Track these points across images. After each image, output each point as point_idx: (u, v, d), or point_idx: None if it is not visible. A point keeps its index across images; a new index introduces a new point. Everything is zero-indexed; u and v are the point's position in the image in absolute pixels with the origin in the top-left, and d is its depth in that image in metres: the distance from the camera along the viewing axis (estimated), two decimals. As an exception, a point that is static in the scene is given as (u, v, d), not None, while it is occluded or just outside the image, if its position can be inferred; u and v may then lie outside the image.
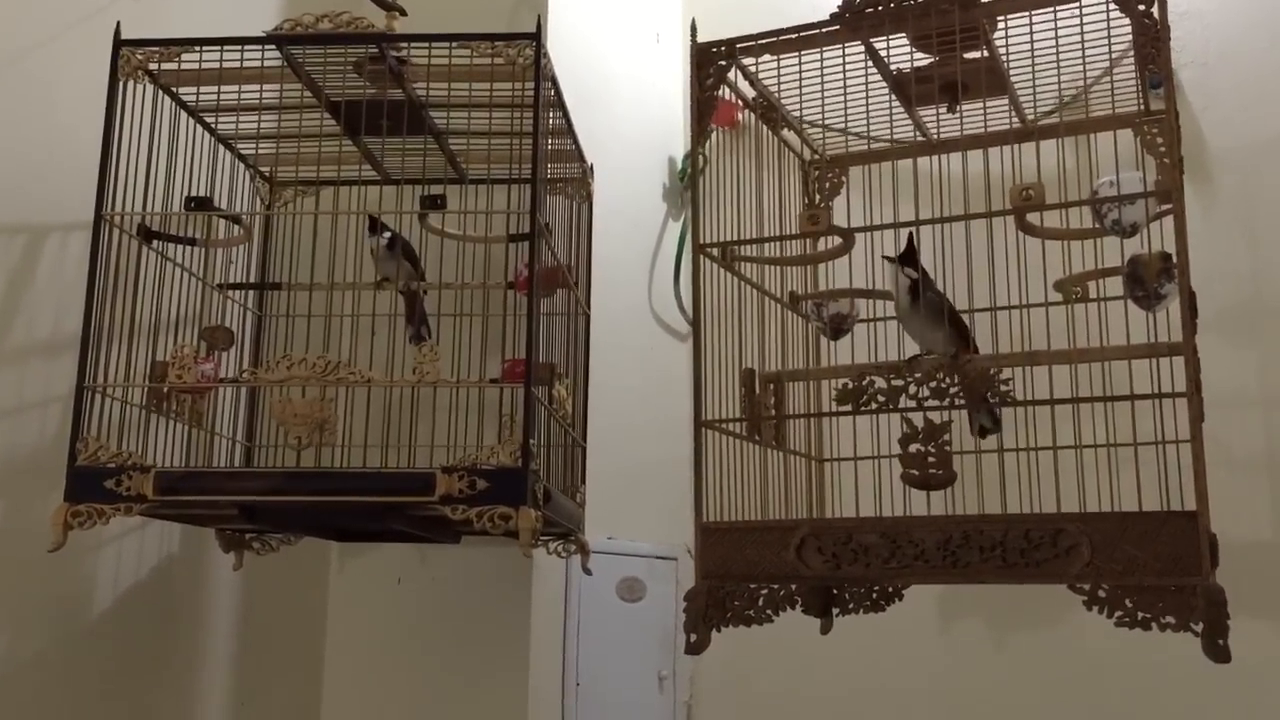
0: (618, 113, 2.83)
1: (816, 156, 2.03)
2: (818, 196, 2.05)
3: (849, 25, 1.58)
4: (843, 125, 1.97)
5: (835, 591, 1.91)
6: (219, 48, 1.87)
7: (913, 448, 1.44)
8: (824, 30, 1.62)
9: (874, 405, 1.48)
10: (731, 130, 2.18)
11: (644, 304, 2.86)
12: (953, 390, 1.44)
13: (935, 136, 1.94)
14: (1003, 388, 1.43)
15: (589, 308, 2.39)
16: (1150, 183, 1.51)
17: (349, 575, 2.57)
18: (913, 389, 1.45)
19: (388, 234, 2.11)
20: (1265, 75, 2.36)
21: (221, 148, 2.19)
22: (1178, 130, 1.56)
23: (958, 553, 1.39)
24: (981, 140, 1.85)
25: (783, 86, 1.85)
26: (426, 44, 1.89)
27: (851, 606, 1.94)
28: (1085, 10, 1.52)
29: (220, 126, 2.15)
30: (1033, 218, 1.54)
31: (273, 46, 1.89)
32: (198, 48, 1.87)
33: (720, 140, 2.77)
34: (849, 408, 1.49)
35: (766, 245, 1.71)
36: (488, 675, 2.37)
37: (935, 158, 1.94)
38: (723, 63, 1.64)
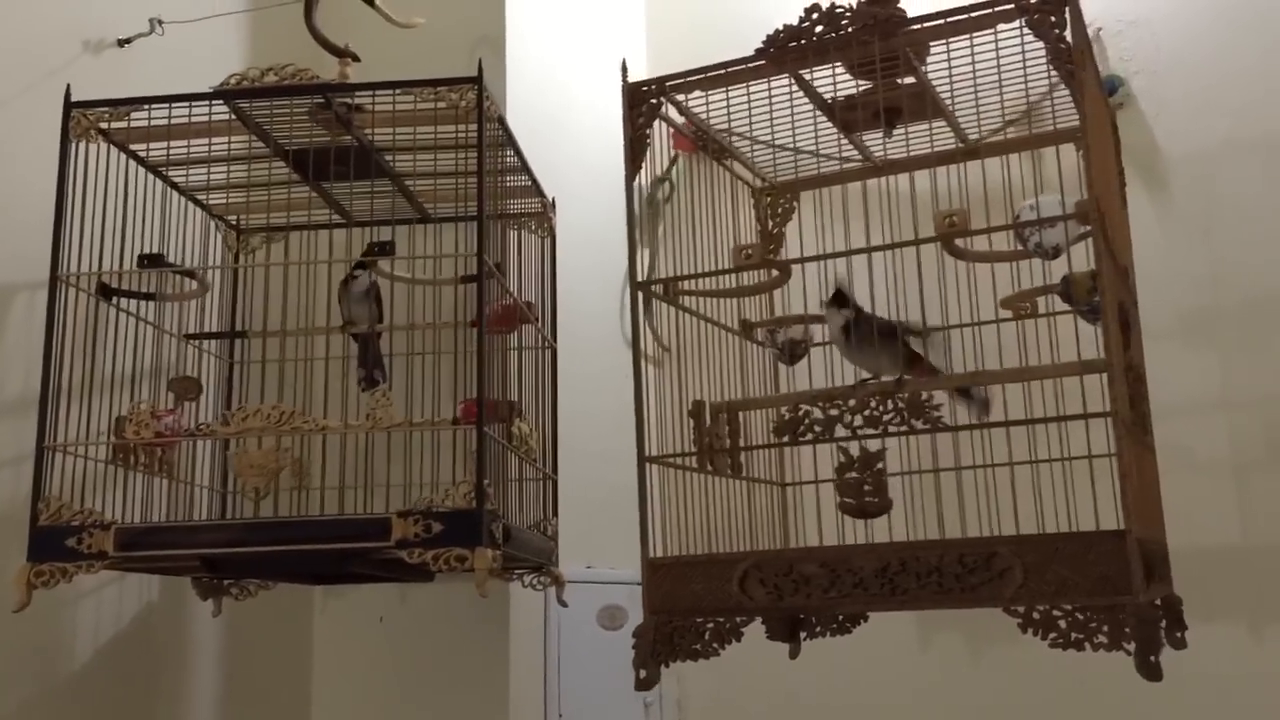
0: (583, 143, 2.85)
1: (764, 184, 2.04)
2: (770, 223, 2.06)
3: (773, 59, 1.60)
4: (790, 152, 1.99)
5: (801, 617, 1.92)
6: (168, 105, 1.90)
7: (848, 476, 1.45)
8: (750, 65, 1.64)
9: (810, 436, 1.49)
10: (693, 155, 2.20)
11: (616, 332, 2.88)
12: (887, 417, 1.45)
13: (882, 159, 1.96)
14: (934, 413, 1.43)
15: (554, 340, 2.41)
16: (1070, 205, 1.52)
17: (331, 615, 2.59)
18: (847, 418, 1.46)
19: (371, 275, 2.13)
20: (1214, 81, 2.37)
21: (186, 200, 2.22)
22: (1117, 145, 1.57)
23: (895, 580, 1.40)
24: (924, 161, 1.86)
25: (731, 117, 1.87)
26: (371, 91, 1.92)
27: (819, 630, 1.96)
28: (1004, 36, 1.53)
29: (186, 178, 2.18)
30: (961, 241, 1.55)
31: (221, 101, 1.92)
32: (146, 106, 1.90)
33: (684, 167, 2.81)
34: (786, 439, 1.50)
35: (709, 279, 1.72)
36: (470, 711, 2.38)
37: (886, 179, 1.97)
38: (654, 101, 1.65)
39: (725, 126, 1.91)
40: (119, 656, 2.21)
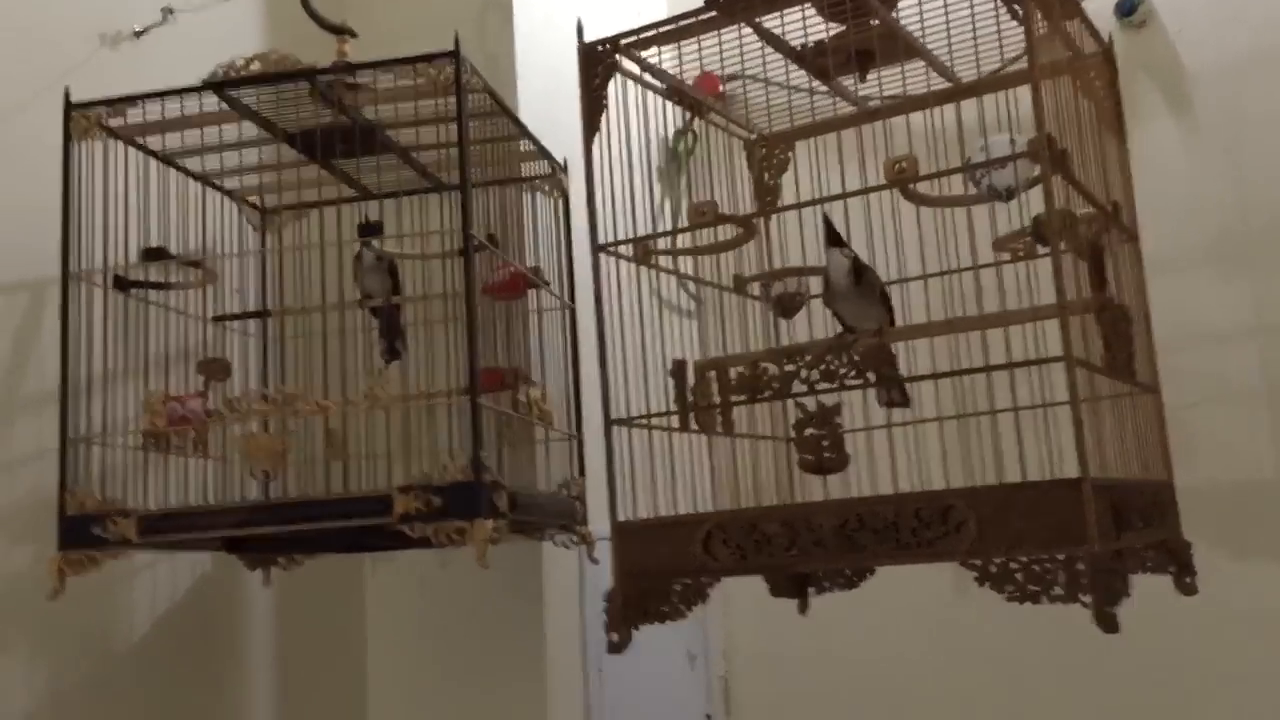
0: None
1: (755, 137, 2.01)
2: (765, 175, 2.03)
3: (724, 10, 1.57)
4: (781, 102, 1.96)
5: (808, 572, 1.92)
6: (160, 99, 1.96)
7: (806, 432, 1.44)
8: (702, 19, 1.61)
9: (768, 393, 1.47)
10: (717, 99, 2.18)
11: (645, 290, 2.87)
12: (842, 372, 1.43)
13: (867, 104, 1.91)
14: (886, 369, 1.41)
15: (573, 301, 2.42)
16: (1023, 145, 1.46)
17: (381, 580, 2.67)
18: (804, 374, 1.45)
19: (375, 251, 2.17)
20: (1235, -7, 2.25)
21: (205, 187, 2.28)
22: (1113, 77, 1.50)
23: (854, 536, 1.38)
24: (907, 105, 1.81)
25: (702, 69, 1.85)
26: (352, 73, 1.94)
27: (827, 586, 1.95)
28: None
29: (203, 166, 2.25)
30: (920, 187, 1.51)
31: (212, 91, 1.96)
32: (141, 102, 1.96)
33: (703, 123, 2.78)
34: (745, 397, 1.49)
35: (681, 239, 1.71)
36: (510, 667, 2.44)
37: (883, 124, 1.92)
38: (609, 61, 1.64)
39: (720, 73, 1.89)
40: (175, 628, 2.31)
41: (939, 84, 1.87)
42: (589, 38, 1.68)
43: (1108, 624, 1.25)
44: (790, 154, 2.03)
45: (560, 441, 2.30)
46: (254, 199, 2.45)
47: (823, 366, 1.44)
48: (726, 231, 1.83)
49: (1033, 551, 1.31)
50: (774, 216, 1.96)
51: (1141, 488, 1.53)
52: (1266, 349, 2.16)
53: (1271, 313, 2.16)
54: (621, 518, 1.56)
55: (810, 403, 1.46)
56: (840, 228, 1.63)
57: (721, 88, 2.16)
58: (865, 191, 1.47)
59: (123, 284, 2.03)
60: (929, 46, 1.72)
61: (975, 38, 1.58)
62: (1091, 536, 1.27)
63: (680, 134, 2.83)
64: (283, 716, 2.52)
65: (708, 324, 1.92)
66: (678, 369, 1.69)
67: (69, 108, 1.96)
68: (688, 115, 2.71)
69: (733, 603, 2.70)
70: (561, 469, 2.30)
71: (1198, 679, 2.19)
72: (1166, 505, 1.66)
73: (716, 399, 1.72)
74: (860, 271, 1.66)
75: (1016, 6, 1.37)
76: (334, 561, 2.49)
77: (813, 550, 1.40)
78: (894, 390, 1.60)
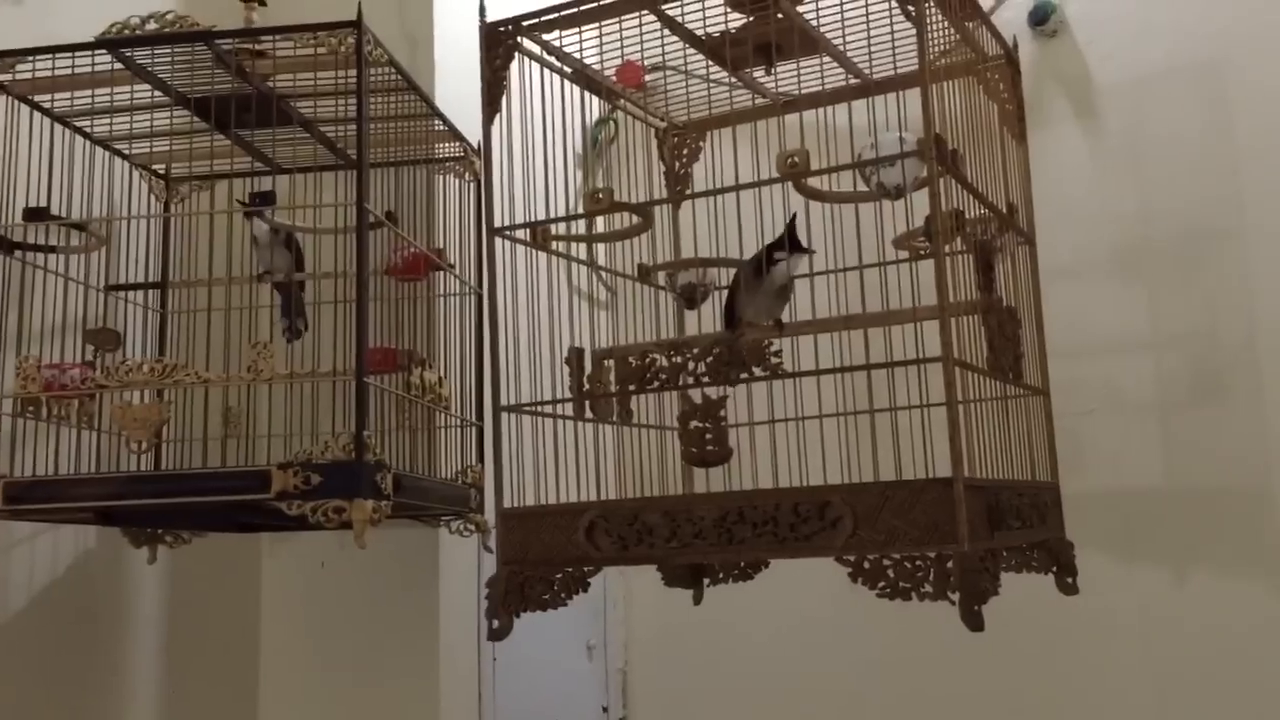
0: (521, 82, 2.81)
1: (665, 125, 2.00)
2: (676, 164, 2.02)
3: (627, -5, 1.55)
4: (698, 92, 1.94)
5: (704, 563, 1.91)
6: (51, 55, 1.89)
7: (691, 425, 1.43)
8: (604, 4, 1.59)
9: (655, 384, 1.46)
10: (639, 90, 2.16)
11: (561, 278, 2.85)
12: (728, 365, 1.42)
13: (778, 96, 1.91)
14: (774, 360, 1.40)
15: (481, 286, 2.39)
16: (912, 143, 1.46)
17: (278, 561, 2.62)
18: (691, 365, 1.44)
19: (268, 222, 2.12)
20: (1149, 8, 2.27)
21: (105, 151, 2.22)
22: (1016, 77, 1.50)
23: (733, 529, 1.37)
24: (803, 101, 1.81)
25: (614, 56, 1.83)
26: (251, 39, 1.90)
27: (722, 577, 1.95)
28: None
29: (103, 129, 2.18)
30: (814, 183, 1.51)
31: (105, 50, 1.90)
32: (31, 58, 1.89)
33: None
34: (634, 387, 1.48)
35: (581, 226, 1.69)
36: (404, 655, 2.41)
37: (795, 117, 1.92)
38: (510, 42, 1.61)
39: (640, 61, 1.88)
40: (56, 605, 2.24)
41: (842, 81, 1.87)
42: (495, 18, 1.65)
43: (974, 623, 1.25)
44: (702, 144, 2.02)
45: (460, 428, 2.28)
46: (158, 168, 2.39)
47: (709, 359, 1.43)
48: (633, 220, 1.81)
49: (905, 549, 1.31)
50: (684, 207, 1.95)
51: (1021, 489, 1.54)
52: (1160, 360, 2.19)
53: (1167, 324, 2.20)
54: (508, 505, 1.54)
55: (699, 395, 1.44)
56: (735, 221, 1.63)
57: (644, 77, 2.15)
58: (759, 184, 1.46)
59: (5, 245, 1.96)
60: (834, 43, 1.72)
61: (875, 37, 1.57)
62: (961, 536, 1.27)
63: (601, 122, 2.81)
64: (168, 700, 2.47)
65: (619, 314, 1.91)
66: (574, 356, 1.67)
67: (-47, 59, 1.89)
68: (605, 103, 2.71)
69: (633, 595, 2.69)
70: (459, 456, 2.28)
71: (1079, 679, 2.22)
72: (1048, 507, 1.67)
73: (615, 388, 1.70)
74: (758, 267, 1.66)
75: (910, 7, 1.37)
76: (228, 543, 2.44)
77: (693, 542, 1.39)
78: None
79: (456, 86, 2.52)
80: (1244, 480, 2.11)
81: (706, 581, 1.93)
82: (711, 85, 1.95)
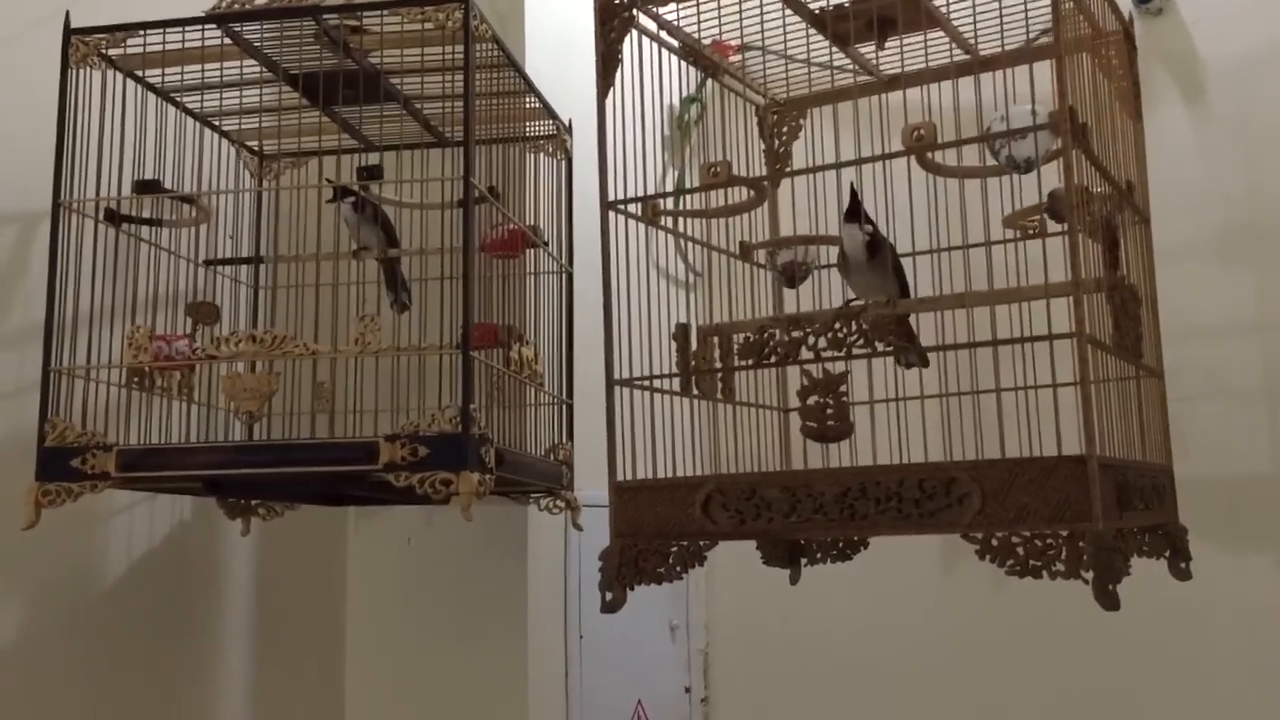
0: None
1: (767, 101, 1.98)
2: (776, 141, 2.01)
3: (750, -33, 1.54)
4: (797, 66, 1.93)
5: (801, 542, 1.90)
6: (162, 30, 1.91)
7: (810, 400, 1.42)
8: (725, -26, 1.58)
9: (774, 359, 1.45)
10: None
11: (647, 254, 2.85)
12: (850, 340, 1.41)
13: (885, 73, 1.88)
14: (895, 338, 1.39)
15: (570, 265, 2.39)
16: (1043, 116, 1.44)
17: (364, 536, 2.65)
18: (811, 340, 1.43)
19: (351, 199, 2.13)
20: (1257, -18, 2.23)
21: (203, 127, 2.24)
22: (1133, 55, 1.47)
23: (855, 505, 1.36)
24: (925, 76, 1.79)
25: (721, 32, 1.82)
26: (357, 13, 1.91)
27: (819, 557, 1.94)
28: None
29: (203, 105, 2.20)
30: (938, 157, 1.49)
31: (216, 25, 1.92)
32: (142, 31, 1.91)
33: (714, 86, 2.75)
34: (751, 361, 1.47)
35: (688, 200, 1.68)
36: (491, 632, 2.43)
37: (901, 94, 1.90)
38: (626, 15, 1.61)
39: (738, 40, 1.87)
40: (152, 574, 2.28)
41: (955, 57, 1.85)
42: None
43: (1109, 601, 1.24)
44: (803, 121, 2.00)
45: (550, 405, 2.28)
46: (252, 143, 2.41)
47: (830, 334, 1.42)
48: (734, 197, 1.80)
49: (1036, 526, 1.29)
50: (783, 185, 1.94)
51: (1143, 470, 1.52)
52: (1267, 346, 2.15)
53: (1273, 309, 2.15)
54: (619, 479, 1.54)
55: (817, 371, 1.43)
56: (835, 199, 1.61)
57: (733, 57, 2.13)
58: (881, 158, 1.45)
59: (114, 217, 1.99)
60: (949, 17, 1.70)
61: (984, 11, 1.55)
62: (1096, 514, 1.25)
63: (687, 101, 2.80)
64: (256, 670, 2.50)
65: (708, 292, 1.90)
66: (681, 332, 1.67)
67: (69, 33, 1.91)
68: (698, 80, 2.70)
69: (716, 575, 2.69)
70: (550, 433, 2.28)
71: (1182, 665, 2.19)
72: (1165, 490, 1.65)
73: (719, 364, 1.70)
74: (876, 246, 1.65)
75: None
76: (316, 516, 2.47)
77: (813, 517, 1.38)
78: (911, 354, 1.59)
79: (544, 64, 2.53)
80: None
81: (804, 561, 1.92)
82: (813, 62, 1.93)
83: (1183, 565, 1.66)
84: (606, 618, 2.53)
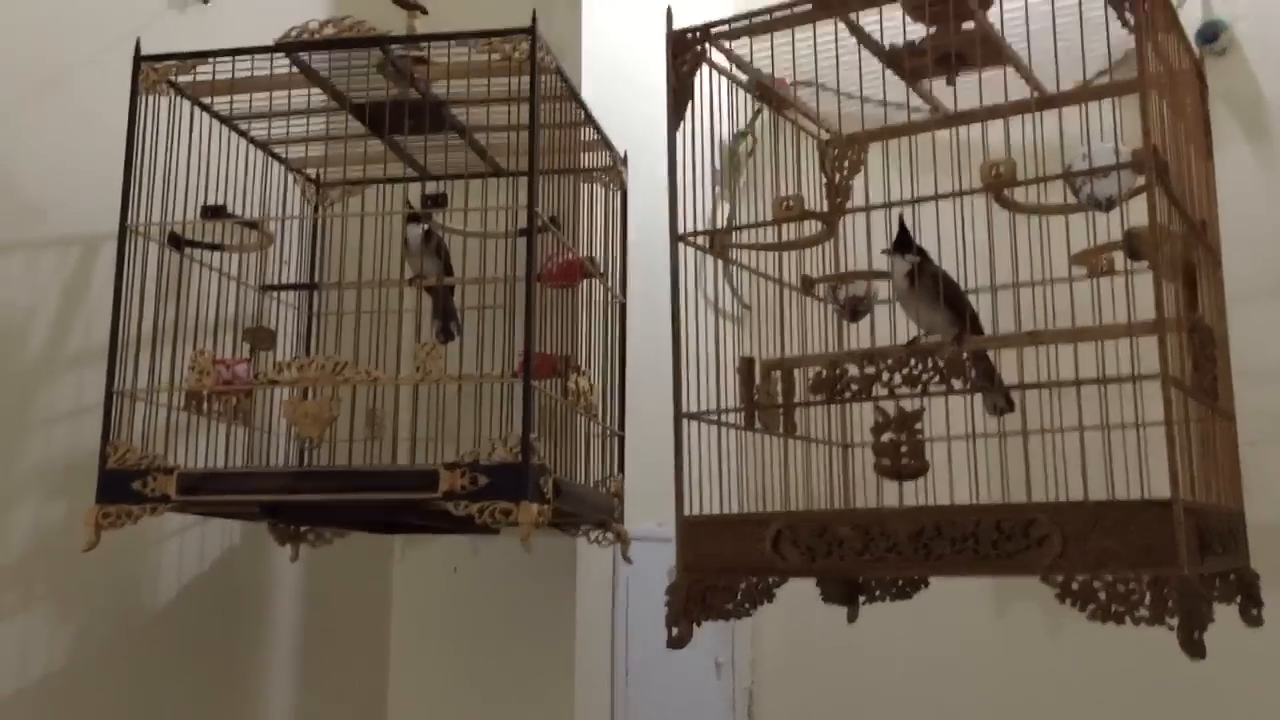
0: (661, 95, 2.81)
1: (830, 136, 1.98)
2: (837, 176, 2.00)
3: (820, 4, 1.54)
4: (855, 102, 1.92)
5: (860, 580, 1.88)
6: (231, 58, 1.93)
7: (885, 437, 1.40)
8: (796, 11, 1.58)
9: (847, 394, 1.44)
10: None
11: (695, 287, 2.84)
12: (925, 377, 1.40)
13: (950, 109, 1.88)
14: (971, 374, 1.37)
15: (624, 296, 2.39)
16: (1126, 154, 1.43)
17: (410, 564, 2.64)
18: (885, 376, 1.41)
19: (423, 226, 2.14)
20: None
21: (262, 153, 2.26)
22: (1203, 93, 1.45)
23: (930, 544, 1.35)
24: (994, 111, 1.78)
25: (795, 66, 1.82)
26: (425, 44, 1.92)
27: (879, 595, 1.91)
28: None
29: (264, 132, 2.22)
30: (1017, 194, 1.48)
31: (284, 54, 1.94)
32: (211, 60, 1.93)
33: (768, 120, 2.75)
34: (822, 397, 1.46)
35: (756, 233, 1.68)
36: (538, 663, 2.41)
37: (960, 130, 1.89)
38: (699, 49, 1.61)
39: (791, 76, 1.88)
40: (201, 597, 2.28)
41: (1021, 93, 1.84)
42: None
43: (1195, 650, 1.21)
44: (863, 155, 1.99)
45: (602, 437, 2.27)
46: (311, 172, 2.43)
47: (905, 370, 1.40)
48: (795, 231, 1.80)
49: (1118, 571, 1.27)
50: (844, 220, 1.93)
51: (1219, 514, 1.49)
52: (1333, 389, 2.13)
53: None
54: (686, 512, 1.52)
55: (889, 407, 1.42)
56: (927, 233, 1.60)
57: (792, 91, 2.14)
58: (959, 195, 1.44)
59: (178, 242, 2.00)
60: (1019, 52, 1.69)
61: (1082, 42, 1.54)
62: (1181, 559, 1.23)
63: (740, 136, 2.81)
64: (301, 695, 2.49)
65: (760, 326, 1.89)
66: (746, 367, 1.66)
67: (139, 59, 1.93)
68: (754, 112, 2.70)
69: (762, 613, 2.66)
70: (601, 465, 2.27)
71: (1249, 713, 2.15)
72: (1239, 534, 1.62)
73: (781, 399, 1.69)
74: (918, 275, 1.64)
75: (1128, 15, 1.34)
76: (363, 542, 2.46)
77: (886, 556, 1.36)
78: (999, 396, 1.57)
79: (599, 95, 2.53)
80: None
81: (862, 600, 1.89)
82: (872, 99, 1.93)
83: (1254, 612, 1.63)
84: (654, 652, 2.53)
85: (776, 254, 1.92)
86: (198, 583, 2.30)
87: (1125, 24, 1.37)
